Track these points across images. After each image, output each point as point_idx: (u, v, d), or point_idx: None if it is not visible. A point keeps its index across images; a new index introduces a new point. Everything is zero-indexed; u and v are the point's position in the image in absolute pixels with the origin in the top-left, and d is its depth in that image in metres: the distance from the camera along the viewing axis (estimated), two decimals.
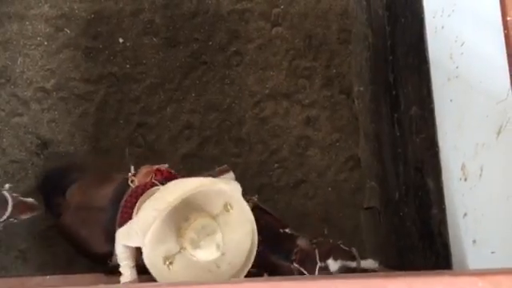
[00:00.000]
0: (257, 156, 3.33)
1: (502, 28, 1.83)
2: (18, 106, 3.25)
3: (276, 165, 3.32)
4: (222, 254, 1.96)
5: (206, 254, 1.93)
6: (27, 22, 3.31)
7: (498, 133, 1.95)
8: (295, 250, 2.31)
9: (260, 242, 2.11)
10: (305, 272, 2.26)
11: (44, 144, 3.25)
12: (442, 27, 2.28)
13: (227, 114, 3.34)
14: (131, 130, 3.31)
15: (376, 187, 3.10)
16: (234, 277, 1.99)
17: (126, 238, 2.17)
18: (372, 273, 2.25)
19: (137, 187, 2.39)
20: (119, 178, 2.49)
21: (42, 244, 3.00)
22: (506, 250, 1.92)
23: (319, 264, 2.26)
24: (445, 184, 2.33)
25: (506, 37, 1.80)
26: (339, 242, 2.35)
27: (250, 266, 2.06)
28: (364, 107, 3.08)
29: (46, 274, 2.62)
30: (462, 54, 2.16)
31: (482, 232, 2.07)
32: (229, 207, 1.99)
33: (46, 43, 3.32)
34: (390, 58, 2.80)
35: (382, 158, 3.02)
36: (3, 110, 3.24)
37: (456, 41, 2.19)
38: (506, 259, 1.89)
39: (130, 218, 2.27)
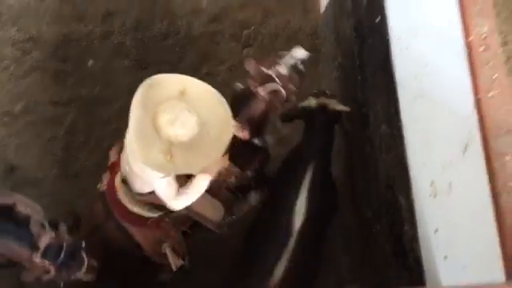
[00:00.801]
0: None
1: (464, 48, 1.90)
2: None
3: None
4: (204, 124, 2.09)
5: (184, 124, 2.05)
6: None
7: (464, 150, 2.01)
8: None
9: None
10: None
11: (11, 169, 3.18)
12: (407, 48, 2.34)
13: None
14: (102, 153, 3.26)
15: (349, 205, 3.12)
16: (224, 134, 2.12)
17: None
18: None
19: (107, 183, 2.47)
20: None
21: None
22: (477, 265, 1.95)
23: None
24: (416, 201, 2.36)
25: (469, 57, 1.87)
26: None
27: (232, 120, 2.19)
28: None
29: None
30: (427, 73, 2.22)
31: (453, 247, 2.10)
32: (183, 89, 2.11)
33: (13, 67, 3.28)
34: (359, 77, 2.85)
35: (354, 176, 3.05)
36: None
37: (421, 61, 2.24)
38: (476, 274, 1.92)
39: (123, 208, 2.40)
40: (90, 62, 3.36)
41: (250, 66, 2.47)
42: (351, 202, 3.06)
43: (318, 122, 2.68)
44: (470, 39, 1.83)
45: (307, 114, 2.70)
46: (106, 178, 2.53)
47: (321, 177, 2.70)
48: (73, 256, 2.26)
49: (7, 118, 3.22)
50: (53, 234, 2.20)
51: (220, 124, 2.13)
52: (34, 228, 2.16)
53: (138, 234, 2.47)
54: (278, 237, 2.62)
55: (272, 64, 2.43)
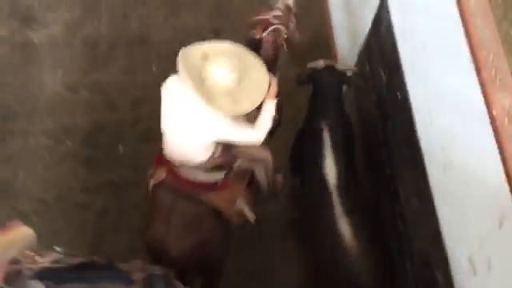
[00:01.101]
0: None
1: (489, 121, 1.89)
2: (18, 220, 3.24)
3: None
4: (242, 68, 2.37)
5: (230, 66, 2.33)
6: (30, 138, 3.42)
7: (501, 223, 1.93)
8: None
9: None
10: None
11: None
12: (431, 122, 2.34)
13: None
14: (131, 236, 3.27)
15: (386, 285, 3.00)
16: (260, 65, 2.45)
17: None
18: None
19: (167, 170, 2.66)
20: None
21: None
22: None
23: None
24: (454, 278, 2.26)
25: (495, 130, 1.85)
26: None
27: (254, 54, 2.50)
28: None
29: None
30: (454, 146, 2.20)
31: None
32: (203, 54, 2.37)
33: (47, 156, 3.40)
34: (385, 153, 2.84)
35: (389, 253, 2.96)
36: (3, 225, 3.22)
37: (446, 134, 2.24)
38: None
39: (191, 182, 2.59)
40: (121, 148, 3.46)
41: (249, 22, 2.78)
42: (388, 281, 2.94)
43: (327, 80, 2.87)
44: (494, 112, 1.82)
45: (315, 74, 2.89)
46: (156, 172, 2.71)
47: (338, 124, 2.88)
48: (167, 283, 2.35)
49: (40, 206, 3.29)
50: (141, 268, 2.33)
51: (251, 59, 2.45)
52: (123, 268, 2.30)
53: (214, 199, 2.63)
54: (322, 202, 2.73)
55: (267, 12, 2.76)
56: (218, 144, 2.56)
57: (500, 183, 1.88)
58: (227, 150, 2.63)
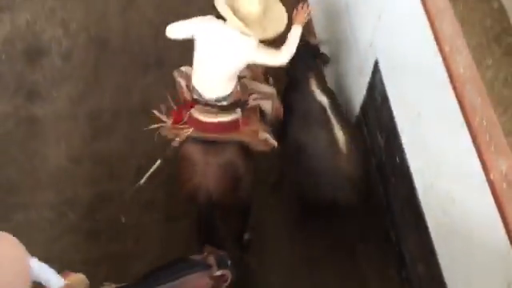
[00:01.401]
0: None
1: (487, 185, 1.90)
2: None
3: None
4: (267, 6, 2.82)
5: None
6: (32, 211, 3.41)
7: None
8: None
9: None
10: None
11: None
12: (431, 185, 2.35)
13: None
14: None
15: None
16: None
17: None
18: None
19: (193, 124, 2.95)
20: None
21: None
22: None
23: None
24: None
25: (494, 194, 1.86)
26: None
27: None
28: (369, 267, 3.02)
29: None
30: (455, 209, 2.20)
31: None
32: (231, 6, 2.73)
33: (49, 229, 3.38)
34: (388, 215, 2.83)
35: None
36: None
37: (447, 197, 2.24)
38: None
39: (217, 125, 2.92)
40: (123, 219, 3.44)
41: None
42: None
43: (302, 50, 3.13)
44: (492, 177, 1.84)
45: None
46: (181, 131, 2.97)
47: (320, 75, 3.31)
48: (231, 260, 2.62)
49: None
50: (212, 252, 2.59)
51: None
52: (197, 257, 2.57)
53: (241, 136, 2.94)
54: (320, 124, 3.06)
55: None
56: (237, 82, 2.93)
57: (503, 247, 1.87)
58: (244, 88, 3.01)
